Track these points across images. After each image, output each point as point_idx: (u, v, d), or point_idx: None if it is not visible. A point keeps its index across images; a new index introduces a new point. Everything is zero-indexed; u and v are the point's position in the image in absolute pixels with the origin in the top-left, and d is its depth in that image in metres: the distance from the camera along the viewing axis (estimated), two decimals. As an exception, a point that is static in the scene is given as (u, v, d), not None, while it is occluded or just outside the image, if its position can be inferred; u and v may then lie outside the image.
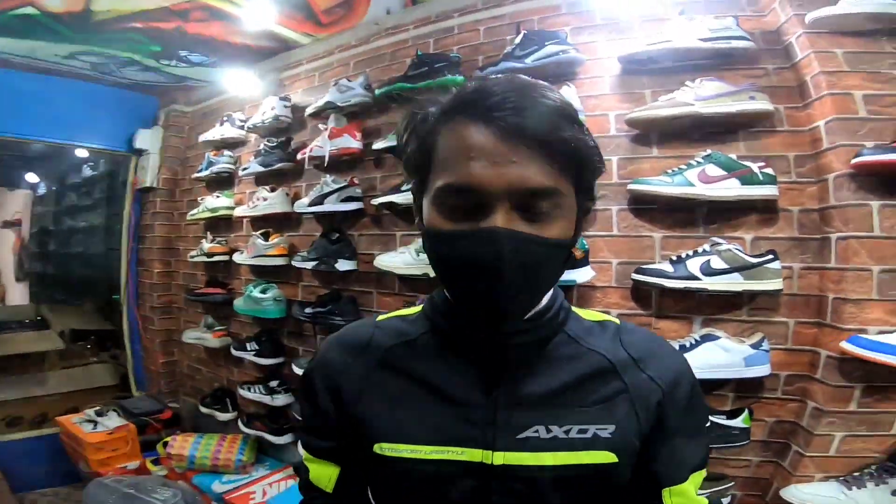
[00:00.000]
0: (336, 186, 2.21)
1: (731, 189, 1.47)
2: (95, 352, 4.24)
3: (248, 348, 2.56)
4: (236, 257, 2.69)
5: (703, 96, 1.51)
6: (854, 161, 1.34)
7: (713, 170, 1.48)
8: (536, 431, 0.71)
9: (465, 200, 0.62)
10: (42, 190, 5.60)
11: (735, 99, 1.49)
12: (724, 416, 1.51)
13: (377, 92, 2.13)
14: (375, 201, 2.07)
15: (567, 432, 0.71)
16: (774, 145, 1.56)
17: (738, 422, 1.50)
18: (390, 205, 2.01)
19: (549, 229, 0.63)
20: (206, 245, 2.88)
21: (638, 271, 1.57)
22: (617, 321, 0.82)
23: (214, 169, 2.89)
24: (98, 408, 3.06)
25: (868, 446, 1.42)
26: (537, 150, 0.60)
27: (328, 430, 0.83)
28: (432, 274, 1.81)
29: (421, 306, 0.84)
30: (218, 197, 2.87)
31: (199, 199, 3.01)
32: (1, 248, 6.16)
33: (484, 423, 0.72)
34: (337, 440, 0.83)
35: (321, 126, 2.32)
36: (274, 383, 2.53)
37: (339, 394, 0.80)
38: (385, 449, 0.74)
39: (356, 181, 2.24)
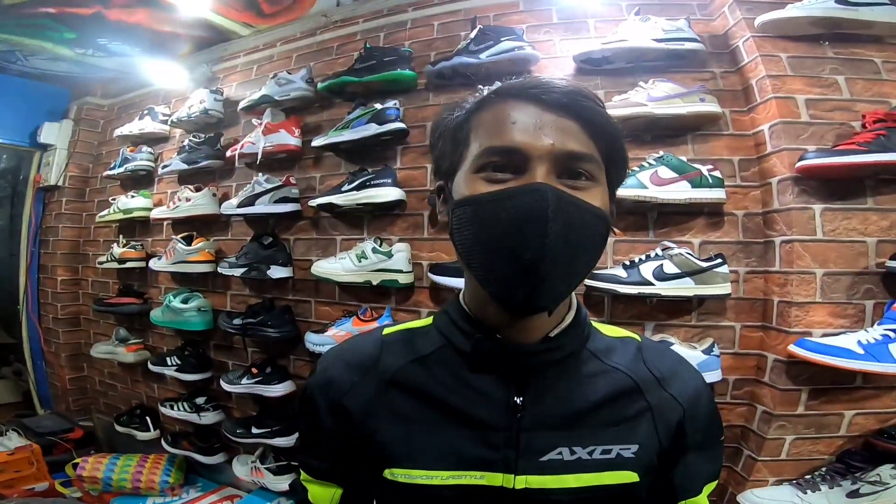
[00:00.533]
0: (269, 186, 2.06)
1: (681, 192, 1.47)
2: None
3: (169, 363, 2.32)
4: (153, 263, 2.44)
5: (655, 97, 1.52)
6: (798, 164, 1.37)
7: (665, 172, 1.48)
8: (560, 454, 0.68)
9: (508, 160, 0.62)
10: None
11: (687, 101, 1.50)
12: None
13: (320, 86, 2.01)
14: (313, 202, 1.94)
15: (591, 453, 0.68)
16: (720, 149, 1.59)
17: None
18: (330, 206, 1.89)
19: (589, 196, 0.62)
20: (118, 250, 2.60)
21: (591, 277, 1.52)
22: (638, 338, 0.79)
23: (130, 166, 2.63)
24: None
25: (816, 448, 1.44)
26: (576, 121, 0.61)
27: (329, 451, 0.78)
28: (375, 281, 1.77)
29: (430, 318, 0.80)
30: (133, 197, 2.61)
31: (111, 199, 2.73)
32: None
33: (505, 445, 0.68)
34: (339, 461, 0.79)
35: (255, 121, 2.16)
36: (200, 400, 2.32)
37: (345, 415, 0.74)
38: (397, 475, 0.69)
39: (293, 181, 2.08)
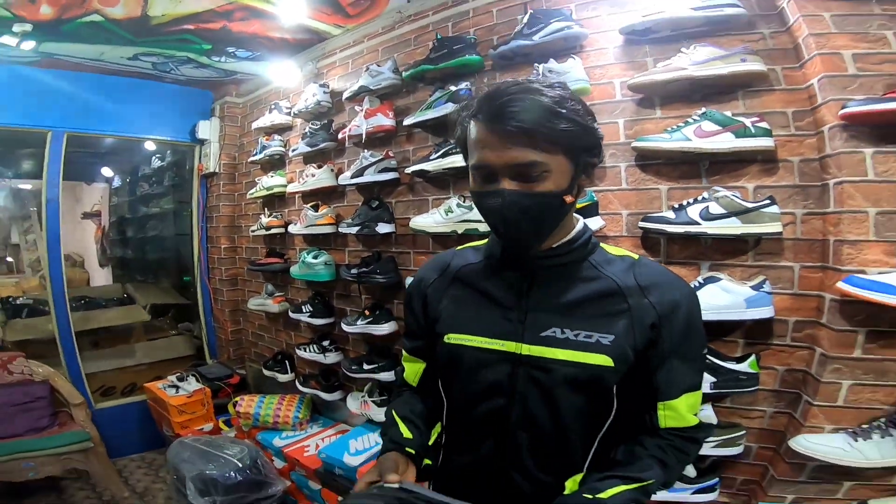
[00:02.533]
0: (373, 160, 2.36)
1: (725, 142, 1.50)
2: (174, 325, 4.52)
3: (304, 310, 2.77)
4: (291, 228, 2.89)
5: (696, 61, 1.54)
6: (841, 112, 1.36)
7: (709, 126, 1.52)
8: (554, 332, 0.92)
9: (484, 173, 0.88)
10: (117, 182, 5.88)
11: (727, 62, 1.52)
12: (733, 362, 1.54)
13: (404, 74, 2.25)
14: (408, 170, 2.22)
15: (576, 335, 0.91)
16: (773, 102, 1.57)
17: (745, 366, 1.53)
18: (421, 172, 2.14)
19: (540, 186, 0.85)
20: (265, 220, 3.09)
21: (644, 219, 1.64)
22: (636, 256, 0.99)
23: (268, 152, 3.09)
24: (179, 374, 3.34)
25: (876, 396, 1.41)
26: (525, 137, 0.83)
27: (420, 332, 1.11)
28: (460, 231, 2.00)
29: (487, 240, 1.09)
30: (272, 177, 3.07)
31: (255, 180, 3.23)
32: (84, 237, 6.53)
33: (517, 321, 0.94)
34: (424, 339, 1.09)
35: (357, 108, 2.46)
36: (326, 342, 2.73)
37: (426, 299, 1.08)
38: (452, 338, 0.99)
39: (391, 154, 2.38)
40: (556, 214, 0.91)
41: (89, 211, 6.53)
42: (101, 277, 6.15)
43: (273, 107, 3.09)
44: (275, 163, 3.17)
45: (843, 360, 1.42)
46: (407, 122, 2.20)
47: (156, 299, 4.69)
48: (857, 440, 1.37)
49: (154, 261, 5.22)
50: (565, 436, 0.94)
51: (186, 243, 3.96)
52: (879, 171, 1.38)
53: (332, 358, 2.70)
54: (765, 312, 1.50)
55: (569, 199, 0.90)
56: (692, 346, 0.94)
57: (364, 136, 2.38)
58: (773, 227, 1.49)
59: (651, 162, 1.72)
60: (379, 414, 2.38)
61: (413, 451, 1.01)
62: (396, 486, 0.88)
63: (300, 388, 2.85)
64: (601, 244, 1.00)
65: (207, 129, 3.59)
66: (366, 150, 2.41)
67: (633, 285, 0.92)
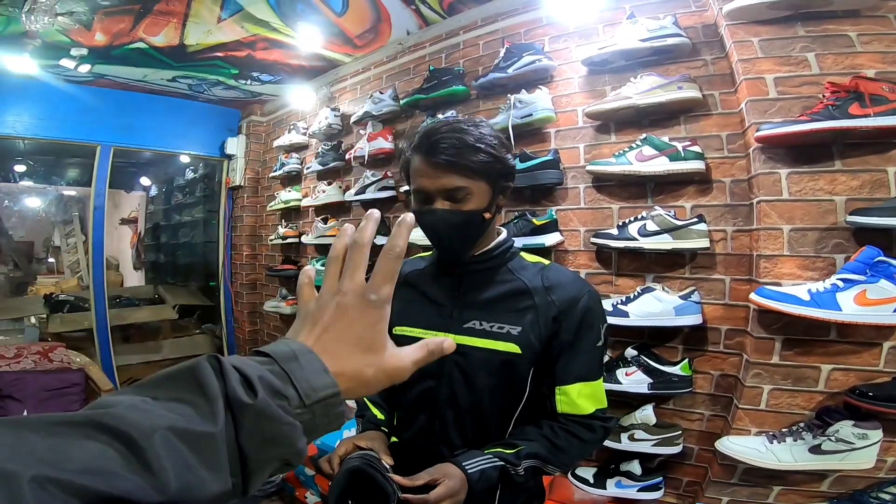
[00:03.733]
0: (374, 179, 2.62)
1: (660, 166, 1.69)
2: (199, 325, 4.82)
3: (313, 311, 3.01)
4: (304, 238, 3.18)
5: (640, 90, 1.73)
6: (756, 135, 1.49)
7: (648, 150, 1.71)
8: (474, 324, 1.10)
9: (421, 196, 1.07)
10: (154, 191, 6.27)
11: (665, 90, 1.70)
12: (668, 365, 1.70)
13: (402, 102, 2.51)
14: (403, 189, 2.48)
15: (491, 327, 1.09)
16: (710, 126, 1.73)
17: (678, 370, 1.69)
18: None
19: (465, 205, 1.04)
20: (282, 230, 3.38)
21: (594, 235, 1.84)
22: (547, 263, 1.17)
23: (286, 169, 3.40)
24: None
25: (796, 402, 1.51)
26: (452, 168, 1.02)
27: None
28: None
29: (431, 252, 1.27)
30: (289, 191, 3.37)
31: (275, 193, 3.53)
32: (120, 242, 6.96)
33: (448, 316, 1.12)
34: None
35: (361, 131, 2.73)
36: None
37: None
38: (397, 331, 1.15)
39: (389, 174, 2.63)
40: (478, 228, 1.09)
41: (126, 217, 6.97)
42: (133, 279, 6.55)
43: (292, 127, 3.41)
44: (292, 178, 3.47)
45: (763, 365, 1.53)
46: (402, 145, 2.44)
47: (183, 300, 4.99)
48: (772, 443, 1.46)
49: (184, 265, 5.57)
50: (483, 412, 1.12)
51: (213, 250, 4.27)
52: (793, 191, 1.51)
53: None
54: (692, 320, 1.66)
55: (487, 215, 1.10)
56: (587, 339, 1.11)
57: (366, 158, 2.65)
58: (701, 243, 1.65)
59: (605, 183, 1.92)
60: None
61: (386, 430, 1.22)
62: (391, 464, 1.05)
63: None
64: (521, 253, 1.21)
65: (235, 146, 3.91)
66: (368, 171, 2.68)
67: (540, 286, 1.10)
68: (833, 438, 1.39)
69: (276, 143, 3.53)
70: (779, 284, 1.49)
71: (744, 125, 1.65)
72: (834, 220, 1.48)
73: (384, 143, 2.60)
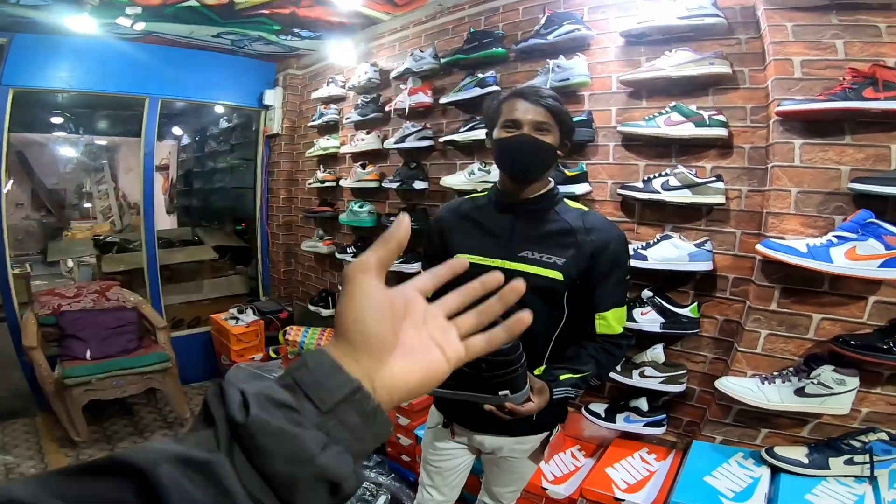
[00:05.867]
0: (414, 129, 2.70)
1: (686, 130, 1.77)
2: (233, 265, 4.87)
3: (348, 252, 3.15)
4: (342, 182, 3.27)
5: (674, 63, 1.79)
6: (777, 110, 1.57)
7: (676, 116, 1.79)
8: (526, 253, 1.27)
9: (513, 125, 1.25)
10: (186, 140, 6.24)
11: (698, 65, 1.76)
12: (679, 307, 1.82)
13: (442, 61, 2.55)
14: (442, 139, 2.57)
15: (541, 257, 1.26)
16: (736, 99, 1.79)
17: (688, 311, 1.81)
18: (452, 142, 2.49)
19: (546, 138, 1.24)
20: (320, 175, 3.47)
21: (621, 188, 1.95)
22: (586, 209, 1.34)
23: (325, 118, 3.44)
24: (238, 307, 3.65)
25: (788, 348, 1.62)
26: (546, 108, 1.23)
27: (436, 256, 1.39)
28: (479, 189, 2.37)
29: (488, 191, 1.41)
30: (328, 139, 3.43)
31: (313, 141, 3.58)
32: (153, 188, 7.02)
33: (505, 247, 1.28)
34: (439, 261, 1.48)
35: (402, 86, 2.78)
36: (363, 280, 3.11)
37: (443, 232, 1.41)
38: (460, 258, 1.30)
39: (428, 126, 2.71)
40: (548, 160, 1.27)
41: (158, 164, 6.94)
42: (165, 223, 6.49)
43: (330, 80, 3.43)
44: (330, 127, 3.52)
45: (762, 311, 1.64)
46: (443, 100, 2.52)
47: (220, 241, 5.07)
48: (763, 384, 1.57)
49: (217, 209, 5.63)
50: (533, 332, 1.26)
51: (247, 195, 4.32)
52: (804, 158, 1.59)
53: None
54: (703, 266, 1.77)
55: (559, 153, 1.27)
56: (618, 273, 1.29)
57: (407, 110, 2.71)
58: (717, 199, 1.76)
59: (633, 143, 2.01)
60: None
61: None
62: None
63: None
64: (565, 199, 1.35)
65: (272, 97, 3.92)
66: (408, 122, 2.74)
67: (581, 227, 1.28)
68: (815, 382, 1.49)
69: (314, 95, 3.55)
70: (783, 238, 1.59)
71: (768, 100, 1.71)
72: (837, 186, 1.56)
73: (424, 98, 2.66)
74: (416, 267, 2.68)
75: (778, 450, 1.60)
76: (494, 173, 2.34)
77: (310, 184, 3.60)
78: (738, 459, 1.65)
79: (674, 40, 1.89)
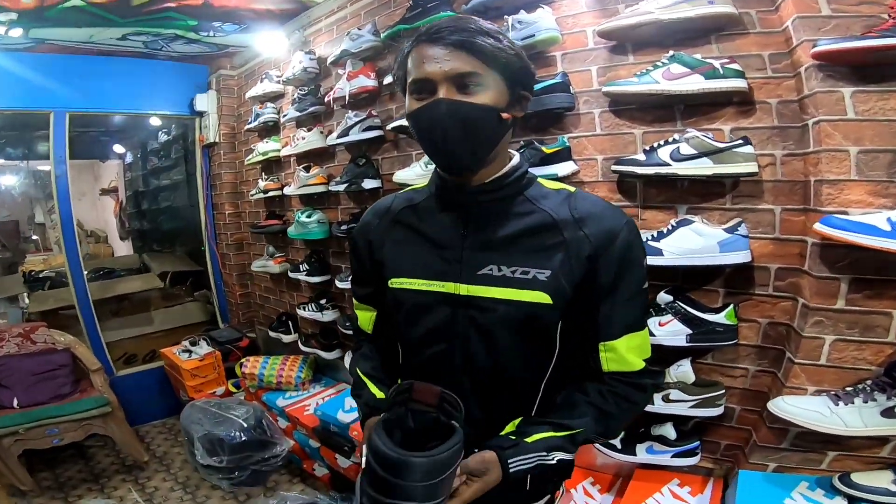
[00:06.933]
0: (357, 119, 2.22)
1: (694, 84, 1.33)
2: (190, 292, 4.40)
3: (301, 269, 2.66)
4: (287, 190, 2.76)
5: (663, 4, 1.36)
6: (812, 51, 1.18)
7: (677, 68, 1.36)
8: (491, 269, 0.82)
9: (421, 87, 0.78)
10: (129, 158, 5.67)
11: (693, 4, 1.33)
12: (710, 312, 1.38)
13: (383, 36, 2.08)
14: (390, 126, 2.08)
15: (513, 272, 0.81)
16: (748, 46, 1.39)
17: (722, 317, 1.37)
18: (403, 127, 2.00)
19: (476, 98, 0.77)
20: (262, 183, 2.95)
21: (616, 163, 1.49)
22: (572, 189, 0.87)
23: (262, 119, 2.92)
24: (191, 338, 3.25)
25: (862, 355, 1.23)
26: (463, 48, 0.75)
27: (367, 278, 0.99)
28: None
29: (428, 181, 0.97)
30: (267, 142, 2.92)
31: (252, 146, 3.07)
32: (105, 213, 6.36)
33: (455, 261, 0.84)
34: (373, 286, 0.97)
35: (340, 71, 2.29)
36: (323, 301, 2.63)
37: (371, 245, 0.96)
38: (395, 283, 0.89)
39: (374, 113, 2.22)
40: (493, 131, 0.80)
41: (107, 187, 6.36)
42: (123, 250, 6.03)
43: (264, 76, 2.91)
44: (270, 129, 3.01)
45: (825, 311, 1.24)
46: (387, 80, 2.05)
47: (171, 267, 4.56)
48: (837, 404, 1.19)
49: (169, 230, 5.10)
50: (508, 380, 0.85)
51: (197, 212, 3.81)
52: (860, 110, 1.19)
53: (329, 316, 2.59)
54: (740, 257, 1.33)
55: (505, 116, 0.80)
56: (631, 279, 0.82)
57: (348, 98, 2.22)
58: (748, 168, 1.32)
59: (624, 107, 1.56)
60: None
61: None
62: None
63: (302, 348, 2.76)
64: (538, 179, 0.89)
65: (205, 102, 3.41)
66: (350, 111, 2.26)
67: (568, 217, 0.82)
68: None
69: (248, 95, 3.03)
70: (845, 213, 1.18)
71: (790, 44, 1.31)
72: None
73: (366, 81, 2.16)
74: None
75: (855, 477, 1.23)
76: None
77: (253, 195, 3.08)
78: (802, 491, 1.29)
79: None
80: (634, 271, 0.82)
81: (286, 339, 2.95)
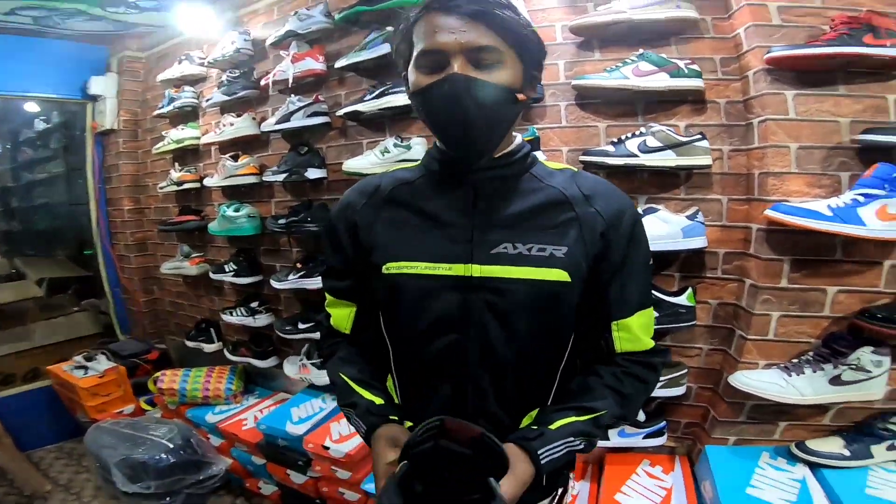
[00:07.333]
0: (301, 104, 2.03)
1: (661, 81, 1.42)
2: (76, 301, 3.78)
3: (227, 270, 2.37)
4: (207, 182, 2.45)
5: (635, 5, 1.45)
6: (767, 56, 1.31)
7: (645, 66, 1.44)
8: (505, 248, 0.75)
9: (432, 60, 0.71)
10: None
11: (663, 7, 1.44)
12: (672, 295, 1.46)
13: (337, 17, 1.92)
14: (340, 112, 1.92)
15: (529, 250, 0.75)
16: (702, 49, 1.52)
17: (684, 299, 1.46)
18: (355, 113, 1.86)
19: (494, 76, 0.71)
20: (176, 175, 2.60)
21: (585, 153, 1.52)
22: (574, 169, 0.85)
23: (177, 104, 2.59)
24: (86, 353, 2.79)
25: (803, 329, 1.37)
26: (481, 20, 0.69)
27: (347, 270, 0.87)
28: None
29: (419, 161, 0.89)
30: (182, 129, 2.59)
31: (163, 134, 2.71)
32: None
33: (464, 241, 0.76)
34: (354, 279, 0.87)
35: (283, 53, 2.09)
36: (254, 304, 2.36)
37: (356, 228, 0.84)
38: (391, 268, 0.78)
39: (321, 98, 2.05)
40: (509, 114, 0.76)
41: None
42: None
43: (183, 58, 2.60)
44: (185, 115, 2.67)
45: (772, 290, 1.37)
46: (339, 64, 1.89)
47: (51, 273, 3.88)
48: (790, 375, 1.30)
49: (46, 232, 4.32)
50: (530, 370, 0.79)
51: (84, 211, 3.28)
52: (800, 110, 1.36)
53: (262, 320, 2.33)
54: (700, 242, 1.43)
55: (521, 97, 0.74)
56: (638, 257, 0.81)
57: (291, 81, 2.03)
58: (705, 160, 1.44)
59: (590, 101, 1.60)
60: (319, 377, 2.07)
61: (396, 418, 0.80)
62: None
63: (230, 357, 2.45)
64: (540, 160, 0.86)
65: (101, 85, 2.97)
66: (293, 95, 2.06)
67: (578, 194, 0.79)
68: (854, 366, 1.25)
69: (160, 78, 2.68)
70: (787, 201, 1.32)
71: (739, 49, 1.47)
72: (839, 140, 1.34)
73: (314, 64, 2.00)
74: (317, 281, 2.00)
75: (811, 444, 1.36)
76: (417, 149, 1.78)
77: (162, 188, 2.72)
78: (766, 461, 1.40)
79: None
80: (642, 248, 0.82)
81: (208, 348, 2.60)
